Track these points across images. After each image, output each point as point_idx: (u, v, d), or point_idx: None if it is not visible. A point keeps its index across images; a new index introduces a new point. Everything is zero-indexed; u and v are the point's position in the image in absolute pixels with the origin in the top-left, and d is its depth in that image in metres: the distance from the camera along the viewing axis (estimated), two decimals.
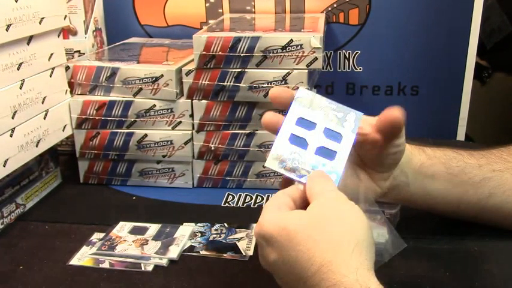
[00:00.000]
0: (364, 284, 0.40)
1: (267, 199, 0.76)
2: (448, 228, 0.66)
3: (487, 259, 0.60)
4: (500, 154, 0.63)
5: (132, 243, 0.64)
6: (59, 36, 0.77)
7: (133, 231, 0.67)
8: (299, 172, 0.49)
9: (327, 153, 0.50)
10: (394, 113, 0.51)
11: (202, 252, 0.63)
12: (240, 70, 0.74)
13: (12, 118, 0.67)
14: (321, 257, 0.42)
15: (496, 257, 0.60)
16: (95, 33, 0.93)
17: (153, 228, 0.67)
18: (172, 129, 0.78)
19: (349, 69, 0.96)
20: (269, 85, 0.74)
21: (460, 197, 0.61)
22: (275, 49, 0.73)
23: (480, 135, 1.18)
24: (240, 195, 0.78)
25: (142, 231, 0.67)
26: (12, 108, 0.67)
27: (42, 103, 0.73)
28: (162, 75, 0.75)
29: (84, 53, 0.89)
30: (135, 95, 0.77)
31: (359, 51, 0.95)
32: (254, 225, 0.67)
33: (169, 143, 0.78)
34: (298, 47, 0.72)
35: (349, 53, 0.95)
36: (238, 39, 0.73)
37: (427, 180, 0.60)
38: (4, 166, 0.66)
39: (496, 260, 0.60)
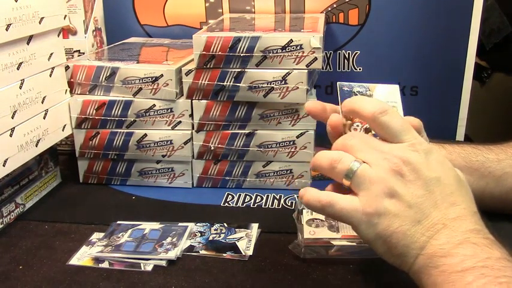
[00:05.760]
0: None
1: (267, 199, 0.76)
2: None
3: None
4: None
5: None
6: (58, 35, 0.77)
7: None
8: None
9: None
10: (413, 120, 0.52)
11: (202, 252, 0.63)
12: (239, 70, 0.74)
13: (12, 118, 0.67)
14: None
15: None
16: (94, 32, 0.93)
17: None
18: (172, 129, 0.78)
19: (348, 69, 0.96)
20: (269, 85, 0.74)
21: (483, 190, 0.61)
22: (275, 49, 0.73)
23: (479, 136, 1.19)
24: (240, 195, 0.78)
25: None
26: (12, 107, 0.67)
27: (42, 103, 0.73)
28: (161, 75, 0.75)
29: (83, 53, 0.89)
30: (134, 94, 0.77)
31: (359, 52, 0.95)
32: (254, 224, 0.68)
33: (169, 142, 0.78)
34: (298, 47, 0.72)
35: (348, 53, 0.95)
36: (238, 39, 0.73)
37: None
38: (4, 166, 0.66)
39: None
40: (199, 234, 0.66)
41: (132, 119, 0.78)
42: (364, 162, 0.45)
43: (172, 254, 0.61)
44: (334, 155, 0.46)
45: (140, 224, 0.68)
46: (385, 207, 0.43)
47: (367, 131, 0.50)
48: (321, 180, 0.80)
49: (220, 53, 0.74)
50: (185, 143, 0.78)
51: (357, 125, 0.50)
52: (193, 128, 0.78)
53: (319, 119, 0.54)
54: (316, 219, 0.67)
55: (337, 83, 0.52)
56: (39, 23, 0.70)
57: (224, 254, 0.62)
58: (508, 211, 0.63)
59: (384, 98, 0.52)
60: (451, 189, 0.43)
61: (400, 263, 0.44)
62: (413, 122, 0.51)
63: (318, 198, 0.46)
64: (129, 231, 0.67)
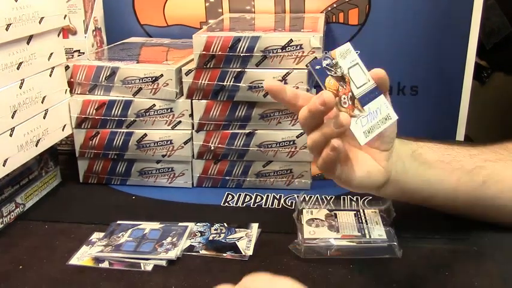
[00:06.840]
0: None
1: (267, 199, 0.76)
2: (447, 228, 0.66)
3: (487, 259, 0.60)
4: (492, 147, 0.64)
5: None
6: (58, 35, 0.77)
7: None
8: None
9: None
10: (378, 71, 0.57)
11: (202, 251, 0.63)
12: (239, 70, 0.74)
13: (12, 118, 0.67)
14: None
15: (495, 257, 0.60)
16: (94, 32, 0.93)
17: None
18: (172, 128, 0.78)
19: None
20: None
21: (456, 185, 0.61)
22: (275, 49, 0.73)
23: (479, 136, 1.19)
24: (240, 194, 0.78)
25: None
26: (11, 107, 0.67)
27: (42, 103, 0.73)
28: (161, 75, 0.75)
29: (83, 53, 0.89)
30: (134, 94, 0.77)
31: (358, 52, 0.94)
32: (254, 224, 0.68)
33: (169, 142, 0.78)
34: (298, 47, 0.72)
35: None
36: (238, 39, 0.73)
37: (422, 168, 0.60)
38: (4, 165, 0.66)
39: (496, 260, 0.60)
40: (199, 234, 0.66)
41: (132, 119, 0.78)
42: None
43: (172, 253, 0.61)
44: None
45: (140, 224, 0.68)
46: None
47: (352, 99, 0.56)
48: (321, 180, 0.80)
49: (220, 52, 0.74)
50: (185, 142, 0.78)
51: (344, 98, 0.56)
52: (193, 127, 0.78)
53: (278, 99, 0.56)
54: (316, 219, 0.67)
55: (307, 64, 0.54)
56: (39, 22, 0.70)
57: (224, 254, 0.62)
58: (479, 214, 0.63)
59: (345, 61, 0.58)
60: None
61: None
62: (378, 73, 0.58)
63: None
64: (129, 231, 0.67)
